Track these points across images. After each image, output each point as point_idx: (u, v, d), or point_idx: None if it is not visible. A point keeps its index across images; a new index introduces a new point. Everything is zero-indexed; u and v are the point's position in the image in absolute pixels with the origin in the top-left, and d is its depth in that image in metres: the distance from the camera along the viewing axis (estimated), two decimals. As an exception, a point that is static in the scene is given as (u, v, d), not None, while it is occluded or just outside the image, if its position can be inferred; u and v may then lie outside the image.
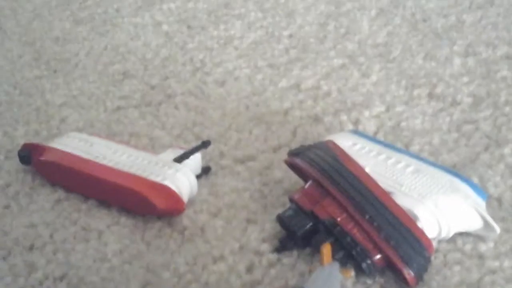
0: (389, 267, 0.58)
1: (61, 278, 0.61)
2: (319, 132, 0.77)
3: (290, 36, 0.97)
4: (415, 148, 0.73)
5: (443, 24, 0.96)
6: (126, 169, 0.68)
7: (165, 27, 1.01)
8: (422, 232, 0.58)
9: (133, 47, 0.97)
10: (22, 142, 0.77)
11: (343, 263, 0.58)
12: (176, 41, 0.98)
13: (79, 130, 0.80)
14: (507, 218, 0.64)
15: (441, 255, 0.60)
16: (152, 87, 0.88)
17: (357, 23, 0.98)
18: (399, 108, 0.80)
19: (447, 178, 0.63)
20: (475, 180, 0.68)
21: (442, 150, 0.73)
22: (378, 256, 0.57)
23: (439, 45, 0.91)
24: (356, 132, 0.72)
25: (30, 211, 0.69)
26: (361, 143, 0.68)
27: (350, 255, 0.58)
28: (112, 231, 0.66)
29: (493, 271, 0.59)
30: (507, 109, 0.78)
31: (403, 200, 0.60)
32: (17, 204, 0.70)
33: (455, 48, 0.91)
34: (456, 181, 0.63)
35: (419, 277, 0.57)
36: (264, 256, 0.62)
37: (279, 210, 0.64)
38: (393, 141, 0.74)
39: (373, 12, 1.00)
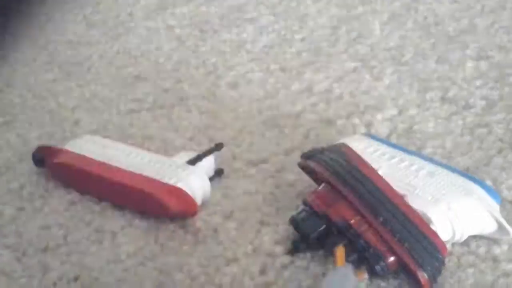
0: (403, 270, 0.58)
1: (75, 279, 0.62)
2: (332, 135, 0.77)
3: (302, 39, 0.97)
4: (428, 151, 0.73)
5: (455, 27, 0.96)
6: (139, 171, 0.68)
7: (177, 30, 1.01)
8: (436, 235, 0.58)
9: (145, 51, 0.97)
10: (35, 144, 0.77)
11: (357, 266, 0.57)
12: (189, 44, 0.98)
13: (92, 132, 0.80)
14: (521, 221, 0.64)
15: (455, 258, 0.60)
16: (165, 90, 0.88)
17: (369, 26, 0.98)
18: (411, 111, 0.80)
19: (461, 180, 0.63)
20: (489, 183, 0.67)
21: (455, 154, 0.73)
22: (392, 259, 0.57)
23: (451, 48, 0.91)
24: (368, 135, 0.71)
25: (44, 213, 0.70)
26: (374, 146, 0.68)
27: (363, 258, 0.58)
28: (126, 233, 0.66)
29: (507, 274, 0.58)
30: (520, 112, 0.78)
31: (416, 203, 0.60)
32: (31, 206, 0.71)
33: (468, 51, 0.90)
34: (470, 184, 0.63)
35: (433, 280, 0.57)
36: (277, 258, 0.62)
37: (292, 213, 0.64)
38: (406, 144, 0.74)
39: (385, 16, 1.00)
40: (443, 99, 0.82)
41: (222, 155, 0.74)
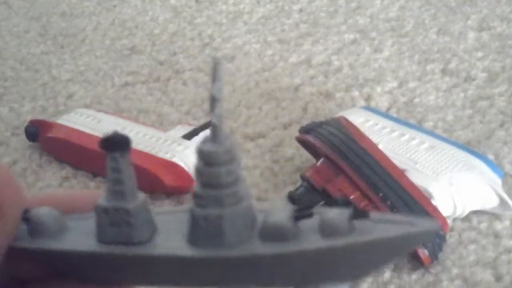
0: (403, 246, 0.57)
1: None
2: (331, 108, 0.76)
3: (301, 10, 0.95)
4: (428, 124, 0.72)
5: (456, -2, 0.94)
6: (134, 146, 0.67)
7: (172, 1, 1.00)
8: (436, 211, 0.57)
9: (140, 22, 0.96)
10: (28, 118, 0.76)
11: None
12: (184, 15, 0.96)
13: (87, 106, 0.79)
14: (523, 196, 0.63)
15: (456, 234, 0.59)
16: (160, 63, 0.87)
17: (369, -3, 0.96)
18: (412, 84, 0.78)
19: (462, 155, 0.62)
20: (491, 157, 0.66)
21: (457, 127, 0.71)
22: (392, 235, 0.56)
23: (452, 19, 0.90)
24: (368, 108, 0.70)
25: (38, 188, 0.68)
26: (373, 119, 0.67)
27: (363, 234, 0.57)
28: (121, 209, 0.65)
29: (509, 250, 0.57)
30: (522, 84, 0.77)
31: (417, 178, 0.59)
32: (24, 181, 0.69)
33: (469, 22, 0.89)
34: (471, 158, 0.62)
35: (433, 256, 0.56)
36: (275, 235, 0.61)
37: (290, 188, 0.63)
38: (406, 117, 0.73)
39: (385, -14, 0.98)
40: (444, 71, 0.80)
41: (219, 129, 0.73)
